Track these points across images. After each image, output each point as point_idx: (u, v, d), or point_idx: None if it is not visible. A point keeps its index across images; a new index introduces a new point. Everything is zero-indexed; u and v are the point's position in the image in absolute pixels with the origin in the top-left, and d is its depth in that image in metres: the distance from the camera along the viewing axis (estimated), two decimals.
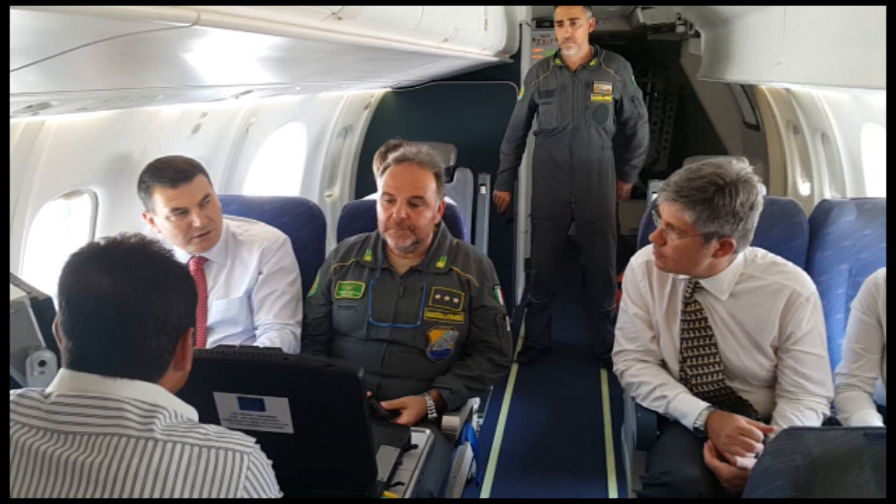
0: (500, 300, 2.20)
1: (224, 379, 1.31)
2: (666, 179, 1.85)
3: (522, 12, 4.74)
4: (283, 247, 2.25)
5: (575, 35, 3.67)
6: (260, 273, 2.20)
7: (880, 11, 1.88)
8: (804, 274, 1.90)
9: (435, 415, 2.02)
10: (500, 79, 4.72)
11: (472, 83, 4.45)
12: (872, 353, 1.91)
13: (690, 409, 1.86)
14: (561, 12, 3.70)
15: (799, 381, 1.85)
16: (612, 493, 2.84)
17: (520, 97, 3.97)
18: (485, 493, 2.82)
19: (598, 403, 3.60)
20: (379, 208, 2.13)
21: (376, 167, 2.80)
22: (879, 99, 2.65)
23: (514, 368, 3.93)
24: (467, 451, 2.36)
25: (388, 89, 4.42)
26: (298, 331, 2.22)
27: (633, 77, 3.81)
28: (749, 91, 4.74)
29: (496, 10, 3.70)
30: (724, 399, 1.90)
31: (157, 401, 1.00)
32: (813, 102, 3.53)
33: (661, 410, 1.93)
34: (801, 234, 2.37)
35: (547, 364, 4.04)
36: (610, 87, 3.72)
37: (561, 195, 3.84)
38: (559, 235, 3.94)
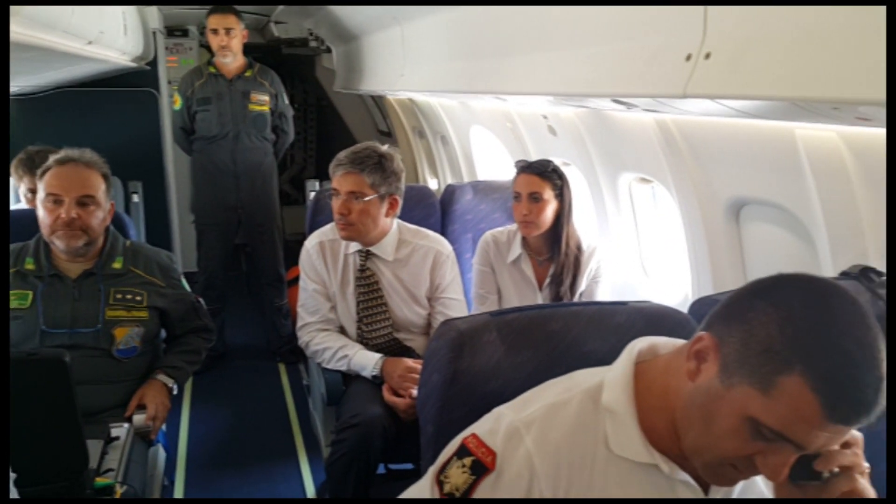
0: (188, 286, 2.28)
1: None
2: (334, 162, 2.18)
3: (155, 20, 4.67)
4: None
5: (231, 44, 3.79)
6: None
7: (496, 29, 2.39)
8: (442, 238, 2.39)
9: (175, 389, 2.13)
10: (140, 85, 4.60)
11: (110, 90, 4.25)
12: (492, 294, 2.49)
13: (368, 361, 2.18)
14: (215, 21, 3.77)
15: None
16: (304, 464, 3.07)
17: (177, 107, 3.93)
18: (178, 495, 2.80)
19: (281, 394, 3.78)
20: (41, 212, 2.01)
21: (18, 175, 2.61)
22: (480, 104, 3.34)
23: (190, 379, 3.87)
24: (160, 452, 2.35)
25: None
26: None
27: (285, 94, 4.06)
28: (379, 102, 5.37)
29: (132, 17, 3.62)
30: (394, 348, 2.28)
31: None
32: (432, 110, 4.20)
33: (344, 368, 2.22)
34: (435, 213, 2.90)
35: (224, 369, 4.07)
36: (267, 98, 3.92)
37: (227, 200, 3.92)
38: (227, 240, 4.01)
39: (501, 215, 2.95)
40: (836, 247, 1.62)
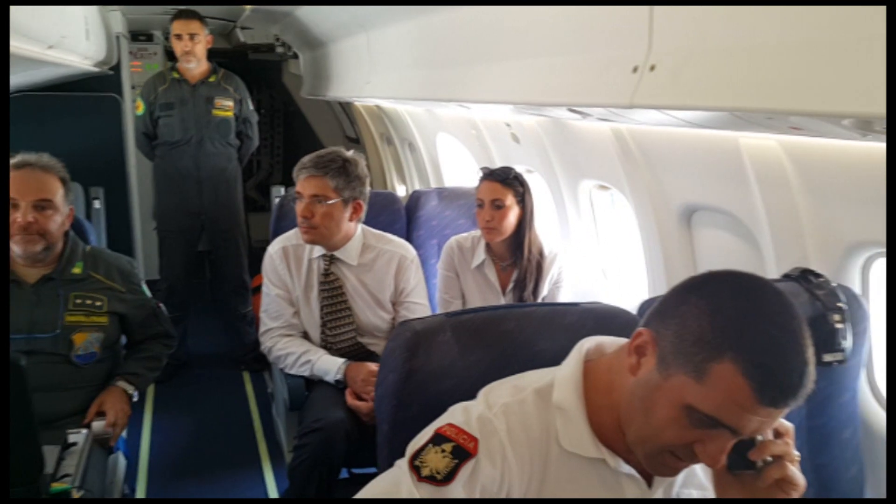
0: (148, 292, 2.27)
1: None
2: (298, 165, 2.20)
3: (118, 24, 4.64)
4: None
5: (195, 50, 3.79)
6: None
7: (458, 39, 2.43)
8: (407, 243, 2.41)
9: (136, 395, 2.12)
10: (102, 90, 4.56)
11: (72, 94, 4.20)
12: (456, 298, 2.53)
13: (331, 366, 2.20)
14: (179, 26, 3.77)
15: None
16: (268, 471, 3.07)
17: (139, 112, 3.92)
18: None
19: (245, 402, 3.76)
20: None
21: None
22: (446, 111, 3.38)
23: (151, 387, 3.85)
24: (120, 459, 2.34)
25: None
26: None
27: (250, 99, 4.07)
28: (347, 108, 5.38)
29: (95, 21, 3.60)
30: (357, 353, 2.30)
31: None
32: (399, 117, 4.24)
33: (307, 373, 2.23)
34: (401, 219, 2.93)
35: (187, 378, 4.03)
36: (231, 104, 3.91)
37: (190, 206, 3.91)
38: (191, 247, 4.00)
39: (466, 221, 2.98)
40: (779, 250, 1.69)
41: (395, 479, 1.00)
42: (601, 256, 2.77)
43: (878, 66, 0.91)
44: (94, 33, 3.39)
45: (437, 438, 1.00)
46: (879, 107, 0.93)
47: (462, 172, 3.84)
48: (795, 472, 0.96)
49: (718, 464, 0.94)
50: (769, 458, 0.96)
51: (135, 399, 2.16)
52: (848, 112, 0.96)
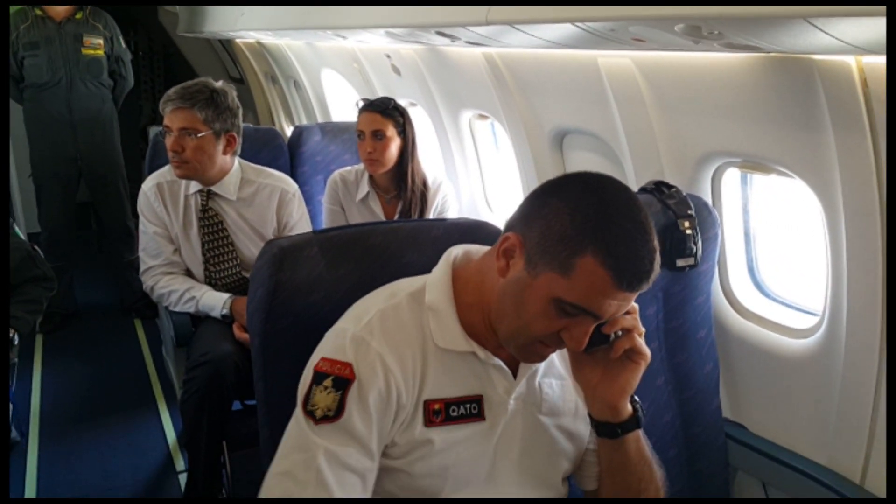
0: (21, 234, 2.19)
1: None
2: (163, 98, 2.12)
3: None
4: None
5: None
6: None
7: None
8: (287, 177, 2.39)
9: (16, 338, 2.09)
10: None
11: None
12: None
13: (216, 301, 2.18)
14: None
15: None
16: (164, 411, 3.06)
17: None
18: (32, 455, 2.71)
19: (138, 348, 3.70)
20: None
21: None
22: (327, 44, 3.30)
23: (40, 339, 3.71)
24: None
25: None
26: None
27: (121, 37, 3.87)
28: (228, 46, 5.16)
29: None
30: (243, 287, 2.27)
31: None
32: (282, 53, 4.11)
33: (192, 310, 2.21)
34: (284, 155, 2.89)
35: (76, 328, 3.93)
36: (101, 42, 3.73)
37: (65, 152, 3.75)
38: (69, 194, 3.85)
39: (352, 157, 2.98)
40: (638, 166, 1.81)
41: (300, 430, 1.03)
42: (485, 187, 2.84)
43: None
44: None
45: (318, 377, 1.04)
46: (703, 8, 1.00)
47: (350, 109, 3.79)
48: (641, 343, 1.08)
49: (582, 346, 1.03)
50: (619, 332, 1.06)
51: (15, 343, 2.11)
52: (675, 14, 1.03)
